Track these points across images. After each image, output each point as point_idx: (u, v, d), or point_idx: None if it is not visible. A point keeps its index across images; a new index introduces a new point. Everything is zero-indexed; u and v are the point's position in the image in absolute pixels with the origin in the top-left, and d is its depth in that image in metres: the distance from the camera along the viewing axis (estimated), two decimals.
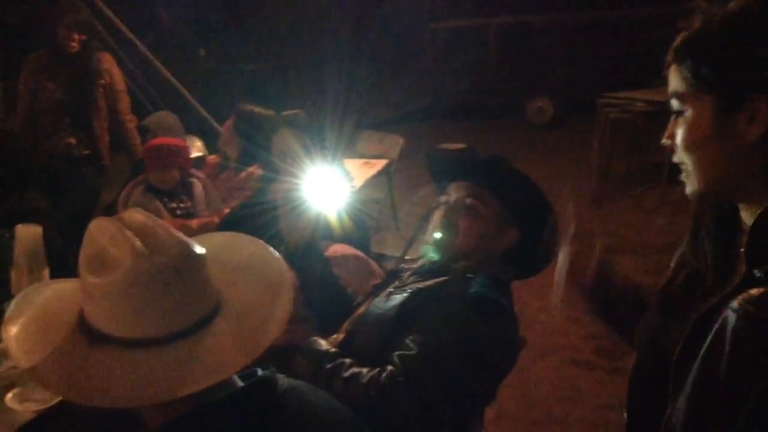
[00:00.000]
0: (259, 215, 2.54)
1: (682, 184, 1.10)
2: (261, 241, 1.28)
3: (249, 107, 3.22)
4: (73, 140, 3.95)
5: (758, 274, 0.94)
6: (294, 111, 2.86)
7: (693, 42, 1.01)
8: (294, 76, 7.93)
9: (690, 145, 1.03)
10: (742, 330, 0.90)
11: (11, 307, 1.14)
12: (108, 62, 4.09)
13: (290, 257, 1.24)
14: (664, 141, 1.09)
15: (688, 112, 1.02)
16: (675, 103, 1.04)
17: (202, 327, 1.07)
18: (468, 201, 1.81)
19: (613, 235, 5.32)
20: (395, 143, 5.37)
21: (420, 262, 1.91)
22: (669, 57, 1.05)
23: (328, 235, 2.38)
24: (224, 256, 1.19)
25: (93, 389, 1.01)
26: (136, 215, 1.10)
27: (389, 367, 1.57)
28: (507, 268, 1.85)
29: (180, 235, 1.08)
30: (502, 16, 9.44)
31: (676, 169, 1.10)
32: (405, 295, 1.71)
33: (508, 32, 9.45)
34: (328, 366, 1.62)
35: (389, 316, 1.69)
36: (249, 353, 1.08)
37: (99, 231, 1.08)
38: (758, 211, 0.99)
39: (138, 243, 1.03)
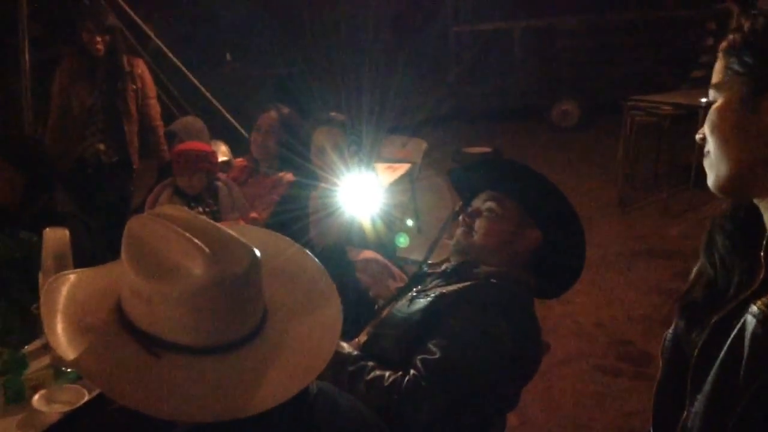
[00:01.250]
0: (290, 223, 2.56)
1: (708, 188, 1.09)
2: (298, 245, 1.27)
3: (292, 111, 3.26)
4: (102, 146, 4.01)
5: None
6: (334, 113, 2.90)
7: (740, 38, 1.01)
8: (325, 81, 7.98)
9: (716, 131, 1.02)
10: (762, 334, 0.89)
11: (43, 308, 1.08)
12: (141, 68, 4.15)
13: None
14: (698, 135, 1.08)
15: (720, 99, 1.02)
16: (711, 94, 1.04)
17: (256, 335, 1.05)
18: (487, 205, 1.82)
19: (639, 240, 5.26)
20: (418, 147, 5.36)
21: (443, 266, 1.91)
22: (720, 52, 1.04)
23: (362, 240, 2.40)
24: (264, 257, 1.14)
25: (165, 400, 0.97)
26: (182, 214, 1.06)
27: (412, 371, 1.57)
28: (530, 275, 1.85)
29: (242, 239, 1.05)
30: (527, 19, 9.39)
31: (703, 172, 1.09)
32: (428, 299, 1.71)
33: (533, 35, 9.40)
34: (350, 369, 1.63)
35: (412, 321, 1.69)
36: (310, 372, 1.07)
37: (150, 232, 1.03)
38: None
39: (208, 251, 0.99)
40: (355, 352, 1.70)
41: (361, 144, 2.84)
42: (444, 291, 1.73)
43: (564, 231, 1.82)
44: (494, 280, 1.74)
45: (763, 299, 0.91)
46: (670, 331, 1.15)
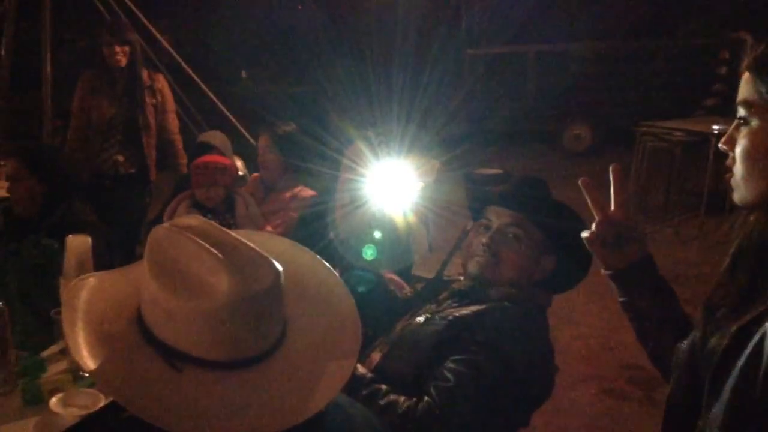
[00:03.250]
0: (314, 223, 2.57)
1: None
2: (317, 257, 1.26)
3: (287, 127, 3.30)
4: (121, 157, 4.08)
5: None
6: (368, 132, 2.93)
7: None
8: (339, 100, 8.07)
9: (749, 154, 1.02)
10: None
11: (64, 314, 1.07)
12: (161, 82, 4.24)
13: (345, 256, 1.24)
14: (722, 145, 1.09)
15: (755, 123, 1.02)
16: (742, 111, 1.04)
17: (276, 349, 1.04)
18: (513, 230, 1.80)
19: None
20: (431, 167, 5.38)
21: (457, 285, 1.91)
22: (746, 63, 1.04)
23: (392, 233, 2.39)
24: (284, 268, 1.11)
25: (185, 416, 0.96)
26: (205, 225, 1.05)
27: (426, 398, 1.57)
28: (543, 294, 1.86)
29: (265, 254, 1.04)
30: (541, 44, 9.46)
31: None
32: (443, 323, 1.71)
33: (547, 60, 9.46)
34: (364, 392, 1.62)
35: (427, 344, 1.69)
36: (330, 387, 1.05)
37: (174, 245, 1.02)
38: None
39: (232, 267, 0.98)
40: (369, 374, 1.69)
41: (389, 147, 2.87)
42: (458, 315, 1.72)
43: (577, 258, 1.81)
44: (508, 303, 1.74)
45: None
46: (686, 342, 1.16)
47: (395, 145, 2.84)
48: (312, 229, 2.72)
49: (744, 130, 1.03)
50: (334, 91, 8.56)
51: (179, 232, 1.03)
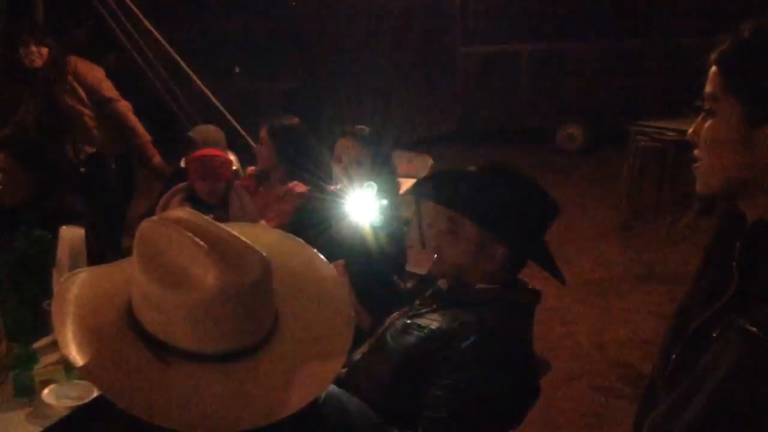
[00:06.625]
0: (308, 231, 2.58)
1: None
2: (309, 247, 1.25)
3: (287, 121, 3.31)
4: (69, 147, 4.17)
5: (755, 289, 0.96)
6: (360, 126, 2.93)
7: (736, 50, 1.04)
8: (332, 98, 8.05)
9: (712, 145, 1.06)
10: (744, 353, 0.89)
11: (54, 309, 1.07)
12: (72, 64, 4.14)
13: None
14: (689, 136, 1.12)
15: (718, 114, 1.05)
16: (707, 104, 1.07)
17: (267, 342, 1.04)
18: (440, 227, 1.69)
19: (640, 264, 5.28)
20: (425, 163, 5.39)
21: (441, 283, 1.78)
22: (712, 58, 1.07)
23: (364, 247, 2.41)
24: (276, 261, 1.10)
25: (174, 410, 0.96)
26: (195, 218, 1.05)
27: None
28: (527, 290, 1.73)
29: (255, 246, 1.04)
30: (535, 43, 9.48)
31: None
32: (418, 336, 1.63)
33: (540, 58, 9.47)
34: None
35: (404, 357, 1.62)
36: (323, 379, 1.06)
37: (162, 237, 1.02)
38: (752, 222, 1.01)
39: (220, 260, 0.98)
40: None
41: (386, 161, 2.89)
42: (433, 328, 1.62)
43: (532, 240, 1.69)
44: (487, 307, 1.63)
45: (749, 318, 0.90)
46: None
47: (383, 147, 2.84)
48: (310, 230, 2.71)
49: (709, 121, 1.07)
50: (326, 89, 8.54)
51: (167, 224, 1.03)
